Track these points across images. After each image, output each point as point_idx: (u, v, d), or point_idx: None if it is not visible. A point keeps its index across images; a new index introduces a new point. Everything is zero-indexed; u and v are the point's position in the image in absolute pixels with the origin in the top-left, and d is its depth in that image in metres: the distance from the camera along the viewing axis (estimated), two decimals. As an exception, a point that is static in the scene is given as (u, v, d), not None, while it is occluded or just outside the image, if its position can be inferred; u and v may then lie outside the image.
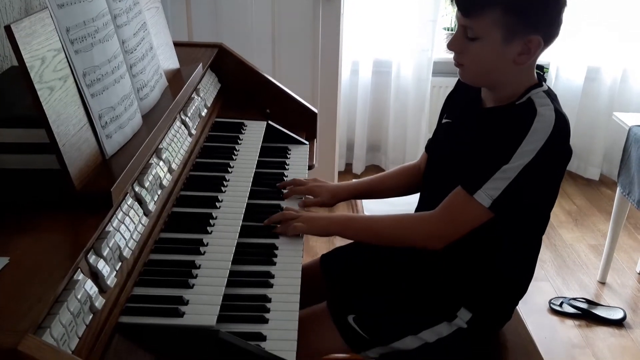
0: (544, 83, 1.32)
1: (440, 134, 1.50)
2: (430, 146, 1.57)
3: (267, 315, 1.15)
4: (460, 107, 1.45)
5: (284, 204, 1.55)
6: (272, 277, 1.26)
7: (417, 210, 1.53)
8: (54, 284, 0.85)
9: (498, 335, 1.49)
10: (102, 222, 1.01)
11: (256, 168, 1.63)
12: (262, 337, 1.09)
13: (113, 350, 0.96)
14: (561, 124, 1.24)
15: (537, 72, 1.32)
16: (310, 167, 1.82)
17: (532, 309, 2.55)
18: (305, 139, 1.93)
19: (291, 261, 1.33)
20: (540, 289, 2.69)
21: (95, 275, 0.98)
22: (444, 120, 1.49)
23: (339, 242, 1.66)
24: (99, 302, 0.96)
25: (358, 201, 2.13)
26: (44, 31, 1.03)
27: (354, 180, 1.70)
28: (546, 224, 1.39)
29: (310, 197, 1.60)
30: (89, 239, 0.96)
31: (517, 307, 1.52)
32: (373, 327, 1.39)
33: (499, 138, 1.26)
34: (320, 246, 2.67)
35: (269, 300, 1.19)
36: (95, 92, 1.13)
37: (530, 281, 1.44)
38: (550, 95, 1.29)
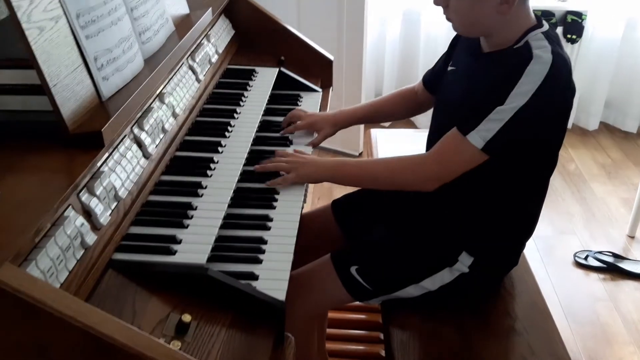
0: (544, 23, 1.28)
1: (446, 81, 1.48)
2: (428, 77, 1.61)
3: (261, 256, 1.15)
4: (462, 54, 1.44)
5: (289, 150, 1.54)
6: (271, 220, 1.27)
7: None
8: (38, 216, 0.87)
9: (504, 282, 1.48)
10: (93, 160, 1.02)
11: (265, 115, 1.63)
12: (254, 277, 1.10)
13: (105, 284, 0.99)
14: (558, 65, 1.22)
15: (539, 15, 1.31)
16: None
17: (556, 262, 2.52)
18: (321, 87, 1.92)
19: (291, 205, 1.33)
20: (566, 242, 2.65)
21: (87, 213, 1.01)
22: (449, 68, 1.48)
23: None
24: (91, 238, 0.98)
25: (373, 147, 2.11)
26: (33, -29, 1.03)
27: (351, 106, 1.71)
28: (553, 166, 1.36)
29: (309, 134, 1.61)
30: (78, 176, 0.97)
31: (524, 253, 1.50)
32: (375, 278, 1.40)
33: (494, 80, 1.24)
34: (339, 188, 2.59)
35: (265, 242, 1.20)
36: (90, 33, 1.14)
37: (535, 224, 1.42)
38: (550, 36, 1.26)
